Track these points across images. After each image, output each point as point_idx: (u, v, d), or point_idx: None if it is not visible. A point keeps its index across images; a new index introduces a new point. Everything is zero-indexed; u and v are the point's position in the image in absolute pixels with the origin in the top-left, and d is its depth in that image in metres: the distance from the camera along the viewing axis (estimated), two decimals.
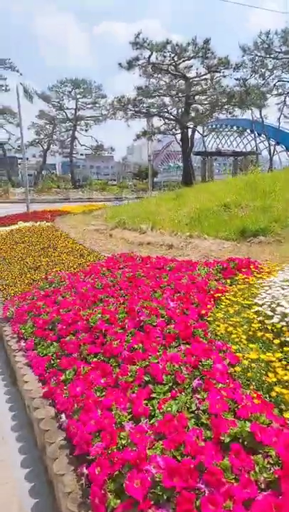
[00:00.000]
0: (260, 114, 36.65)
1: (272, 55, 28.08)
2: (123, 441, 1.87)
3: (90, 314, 3.28)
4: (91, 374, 2.48)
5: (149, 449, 1.78)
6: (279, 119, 38.38)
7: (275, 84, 32.13)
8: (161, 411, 2.00)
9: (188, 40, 26.84)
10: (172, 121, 31.85)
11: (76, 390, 2.36)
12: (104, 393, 2.28)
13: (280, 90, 33.39)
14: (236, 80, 30.04)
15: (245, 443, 1.66)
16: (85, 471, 1.86)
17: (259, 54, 27.92)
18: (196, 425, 1.85)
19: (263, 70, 29.74)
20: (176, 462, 1.64)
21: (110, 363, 2.58)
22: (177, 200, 11.77)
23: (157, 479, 1.59)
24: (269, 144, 40.76)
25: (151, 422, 1.96)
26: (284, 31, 26.58)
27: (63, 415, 2.31)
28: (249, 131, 45.29)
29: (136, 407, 2.04)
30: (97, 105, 48.39)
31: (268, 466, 1.53)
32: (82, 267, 5.56)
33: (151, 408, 2.05)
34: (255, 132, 42.25)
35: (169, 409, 1.98)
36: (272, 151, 40.66)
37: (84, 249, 7.22)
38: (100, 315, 3.21)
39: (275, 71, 30.24)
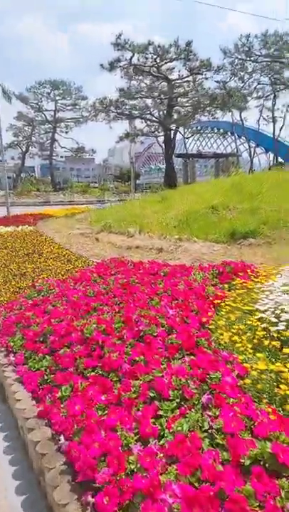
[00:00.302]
0: (240, 116, 37.16)
1: (252, 58, 28.46)
2: (132, 466, 1.73)
3: (84, 324, 3.12)
4: (90, 390, 2.33)
5: (161, 474, 1.65)
6: (258, 121, 39.05)
7: (255, 87, 32.63)
8: (171, 431, 1.87)
9: (171, 42, 26.89)
10: (155, 123, 31.85)
11: (75, 409, 2.20)
12: (106, 412, 2.13)
13: (259, 93, 33.96)
14: (216, 82, 30.36)
15: (267, 465, 1.55)
16: (90, 499, 1.72)
17: (240, 57, 28.24)
18: (210, 446, 1.73)
19: (242, 73, 30.12)
20: (193, 489, 1.51)
21: (110, 378, 2.43)
22: (163, 202, 11.68)
23: (175, 510, 1.46)
24: (249, 146, 41.35)
25: (161, 442, 1.83)
26: (264, 34, 26.97)
27: (62, 437, 2.15)
28: (230, 134, 45.85)
29: (143, 426, 1.90)
30: (77, 107, 47.82)
31: None
32: (71, 274, 5.38)
33: (159, 427, 1.91)
34: (236, 134, 42.80)
35: (180, 428, 1.85)
36: (252, 153, 41.26)
37: (71, 255, 7.04)
38: (95, 325, 3.05)
39: (254, 74, 30.70)
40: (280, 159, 37.03)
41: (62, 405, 2.32)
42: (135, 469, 1.71)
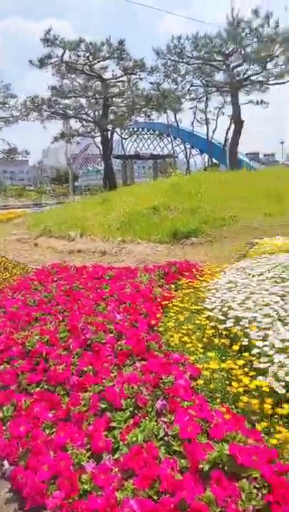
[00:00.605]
0: (175, 118, 38.03)
1: (184, 60, 29.10)
2: (86, 486, 1.62)
3: (25, 337, 2.92)
4: (35, 407, 2.16)
5: (117, 491, 1.56)
6: (192, 123, 40.27)
7: (188, 89, 33.55)
8: (125, 442, 1.77)
9: (103, 40, 26.58)
10: (91, 124, 31.40)
11: (19, 430, 2.02)
12: (54, 430, 1.98)
13: (192, 95, 34.94)
14: (151, 83, 30.74)
15: (226, 468, 1.52)
16: None
17: (172, 58, 28.68)
18: (167, 454, 1.67)
19: (175, 75, 30.76)
20: (152, 503, 1.44)
21: (57, 392, 2.28)
22: (104, 204, 11.55)
23: None
24: (185, 147, 42.58)
25: (116, 456, 1.74)
26: (195, 37, 27.63)
27: (6, 462, 1.96)
28: (166, 135, 46.86)
29: (95, 441, 1.79)
30: (6, 105, 45.60)
31: (255, 491, 1.41)
32: (9, 283, 5.04)
33: (113, 440, 1.81)
34: (172, 136, 43.84)
35: (135, 439, 1.76)
36: (188, 154, 42.53)
37: (7, 262, 6.63)
38: (37, 336, 2.87)
39: (186, 76, 31.46)
40: (214, 160, 38.66)
41: (4, 427, 2.13)
42: (89, 489, 1.60)
